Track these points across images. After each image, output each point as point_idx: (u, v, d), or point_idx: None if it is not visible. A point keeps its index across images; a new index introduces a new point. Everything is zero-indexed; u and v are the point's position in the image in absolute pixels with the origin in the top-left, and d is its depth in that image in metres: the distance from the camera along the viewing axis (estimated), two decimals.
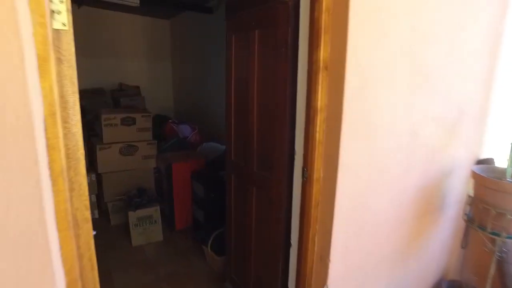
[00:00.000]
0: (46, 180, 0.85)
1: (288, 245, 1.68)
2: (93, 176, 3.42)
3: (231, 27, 1.89)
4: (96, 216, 3.58)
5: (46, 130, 0.83)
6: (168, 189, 3.23)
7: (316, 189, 1.45)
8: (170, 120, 4.90)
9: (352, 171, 1.45)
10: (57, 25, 0.83)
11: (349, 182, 1.46)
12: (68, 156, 0.91)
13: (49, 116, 0.82)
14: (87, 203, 1.01)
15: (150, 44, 6.51)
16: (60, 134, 0.87)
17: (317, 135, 1.40)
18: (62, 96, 0.87)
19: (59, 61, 0.84)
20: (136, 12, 6.02)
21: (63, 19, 0.83)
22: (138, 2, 4.19)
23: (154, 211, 3.07)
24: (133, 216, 2.98)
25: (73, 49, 0.87)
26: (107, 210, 3.39)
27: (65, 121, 0.89)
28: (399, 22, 1.46)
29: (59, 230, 0.91)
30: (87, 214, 1.01)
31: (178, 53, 6.45)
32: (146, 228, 3.06)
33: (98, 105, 5.09)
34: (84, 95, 5.56)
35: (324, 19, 1.30)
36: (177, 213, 3.25)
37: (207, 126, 5.35)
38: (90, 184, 3.47)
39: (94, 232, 1.04)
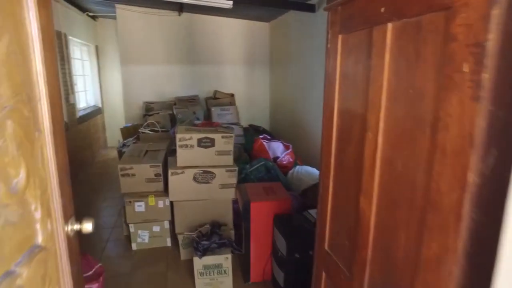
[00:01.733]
0: None
1: None
2: (167, 201, 3.01)
3: (336, 21, 1.10)
4: (168, 244, 3.18)
5: None
6: (245, 231, 2.58)
7: None
8: (260, 136, 4.29)
9: None
10: None
11: None
12: None
13: None
14: None
15: (247, 48, 6.06)
16: None
17: None
18: None
19: None
20: (235, 16, 5.63)
21: None
22: (231, 4, 3.69)
23: (224, 259, 2.45)
24: (198, 263, 2.42)
25: None
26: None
27: None
28: None
29: None
30: None
31: (277, 58, 5.84)
32: (213, 279, 2.46)
33: (191, 115, 4.82)
34: (179, 103, 5.40)
35: None
36: (254, 262, 2.57)
37: (303, 144, 4.58)
38: (163, 209, 3.07)
39: None
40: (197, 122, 4.78)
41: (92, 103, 6.81)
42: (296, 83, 4.91)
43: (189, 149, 2.76)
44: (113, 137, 7.23)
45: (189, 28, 5.73)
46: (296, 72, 4.87)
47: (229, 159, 2.88)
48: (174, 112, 4.89)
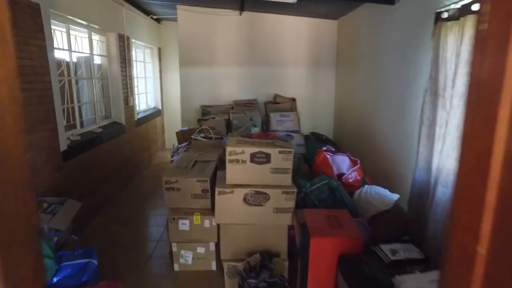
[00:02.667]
0: None
1: None
2: (214, 221, 2.65)
3: None
4: (213, 268, 2.82)
5: None
6: (301, 270, 2.10)
7: None
8: (324, 148, 3.76)
9: None
10: None
11: None
12: None
13: None
14: None
15: (312, 49, 5.55)
16: None
17: None
18: None
19: None
20: (299, 13, 5.15)
21: None
22: None
23: None
24: None
25: None
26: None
27: None
28: None
29: None
30: None
31: (344, 60, 5.23)
32: None
33: (248, 122, 4.46)
34: (236, 108, 5.08)
35: None
36: None
37: (373, 159, 3.95)
38: (209, 230, 2.72)
39: None
40: (254, 129, 4.40)
41: (152, 105, 6.85)
42: (366, 87, 4.28)
43: (240, 164, 2.37)
44: (172, 139, 7.20)
45: (249, 28, 5.40)
46: (367, 75, 4.24)
47: (286, 179, 2.43)
48: (230, 118, 4.58)
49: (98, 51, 4.37)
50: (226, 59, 5.51)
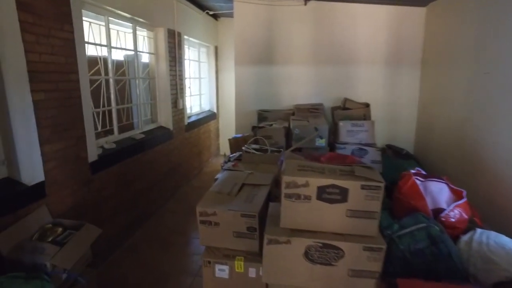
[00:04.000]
0: None
1: None
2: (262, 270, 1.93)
3: None
4: None
5: None
6: None
7: None
8: (412, 171, 2.81)
9: None
10: None
11: None
12: None
13: None
14: None
15: (391, 43, 4.56)
16: None
17: None
18: None
19: None
20: (376, 1, 4.23)
21: None
22: None
23: None
24: None
25: None
26: None
27: None
28: None
29: None
30: None
31: (434, 56, 4.17)
32: None
33: (312, 132, 3.68)
34: (298, 114, 4.32)
35: None
36: None
37: (484, 189, 2.91)
38: (255, 282, 1.99)
39: None
40: (319, 141, 3.60)
41: (207, 108, 6.38)
42: (471, 91, 3.23)
43: (302, 202, 1.61)
44: (226, 144, 6.67)
45: (315, 20, 4.60)
46: (473, 76, 3.19)
47: (370, 227, 1.61)
48: (291, 126, 3.83)
49: (145, 47, 3.93)
50: (288, 57, 4.77)
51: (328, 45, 4.65)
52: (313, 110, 4.32)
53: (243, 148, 3.29)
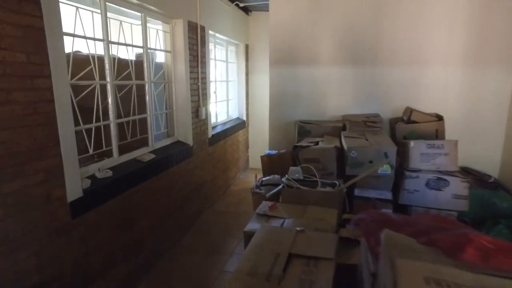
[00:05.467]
0: None
1: None
2: None
3: None
4: None
5: None
6: None
7: None
8: None
9: None
10: None
11: None
12: None
13: None
14: None
15: (471, 37, 3.51)
16: None
17: None
18: None
19: None
20: None
21: None
22: None
23: None
24: None
25: None
26: None
27: None
28: None
29: None
30: None
31: None
32: None
33: (377, 155, 2.75)
34: (352, 127, 3.38)
35: None
36: None
37: None
38: None
39: None
40: (382, 169, 2.65)
41: (235, 115, 5.55)
42: None
43: None
44: (258, 156, 5.82)
45: (370, 10, 3.64)
46: None
47: None
48: (344, 146, 2.89)
49: (159, 44, 3.14)
50: (334, 56, 3.84)
51: (388, 41, 3.67)
52: (371, 123, 3.36)
53: (283, 180, 2.39)
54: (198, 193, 3.80)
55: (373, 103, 3.84)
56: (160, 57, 3.25)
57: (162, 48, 3.20)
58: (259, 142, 5.89)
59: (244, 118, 5.66)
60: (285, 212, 2.03)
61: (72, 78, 2.07)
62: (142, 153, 2.81)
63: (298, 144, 2.99)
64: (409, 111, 3.55)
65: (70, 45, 2.07)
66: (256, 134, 5.91)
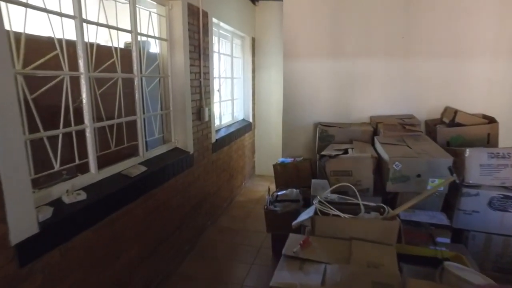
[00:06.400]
0: None
1: None
2: None
3: None
4: None
5: None
6: None
7: None
8: None
9: None
10: None
11: None
12: None
13: None
14: None
15: None
16: None
17: None
18: None
19: None
20: None
21: None
22: None
23: None
24: None
25: None
26: None
27: None
28: None
29: None
30: None
31: None
32: None
33: (416, 167, 2.17)
34: (387, 132, 2.78)
35: None
36: None
37: None
38: None
39: None
40: (432, 184, 2.08)
41: (240, 117, 4.97)
42: None
43: None
44: (265, 161, 5.26)
45: None
46: None
47: None
48: (383, 155, 2.31)
49: (152, 30, 2.57)
50: (360, 47, 3.26)
51: (425, 29, 3.10)
52: (410, 126, 2.78)
53: (314, 203, 1.79)
54: (199, 209, 3.23)
55: (405, 102, 3.26)
56: (154, 47, 2.67)
57: (157, 35, 2.62)
58: (266, 146, 5.32)
59: (251, 120, 5.08)
60: (323, 253, 1.45)
61: (25, 67, 1.49)
62: (130, 165, 2.23)
63: (326, 153, 2.40)
64: (453, 111, 2.97)
65: (21, 23, 1.49)
66: (263, 137, 5.33)
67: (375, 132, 2.90)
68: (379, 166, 2.35)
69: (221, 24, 3.76)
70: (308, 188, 3.24)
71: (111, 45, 2.12)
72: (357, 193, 1.79)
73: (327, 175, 2.39)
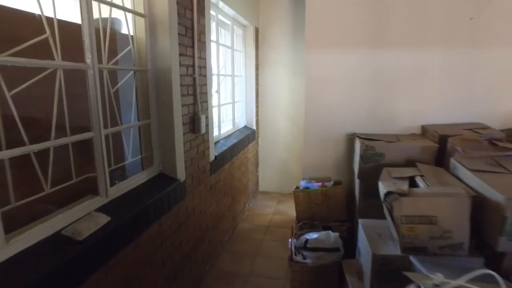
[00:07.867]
0: None
1: None
2: None
3: None
4: None
5: None
6: None
7: None
8: None
9: None
10: None
11: None
12: None
13: None
14: None
15: None
16: None
17: None
18: None
19: None
20: None
21: None
22: None
23: None
24: None
25: None
26: None
27: None
28: None
29: None
30: None
31: None
32: None
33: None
34: (468, 152, 1.94)
35: None
36: None
37: None
38: None
39: None
40: None
41: (242, 124, 4.10)
42: None
43: None
44: (270, 176, 4.42)
45: None
46: None
47: None
48: (488, 194, 1.45)
49: (122, 0, 1.69)
50: (409, 33, 2.42)
51: (502, 6, 2.28)
52: (499, 142, 1.93)
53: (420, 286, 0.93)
54: (195, 254, 2.34)
55: (470, 106, 2.44)
56: (125, 25, 1.78)
57: (129, 7, 1.74)
58: (272, 158, 4.46)
59: (254, 127, 4.21)
60: None
61: None
62: (82, 215, 1.34)
63: (393, 189, 1.54)
64: None
65: None
66: (268, 148, 4.46)
67: (443, 148, 2.06)
68: (478, 208, 1.50)
69: (221, 4, 2.89)
70: (341, 223, 2.42)
71: (38, 11, 1.23)
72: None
73: (394, 220, 1.54)
